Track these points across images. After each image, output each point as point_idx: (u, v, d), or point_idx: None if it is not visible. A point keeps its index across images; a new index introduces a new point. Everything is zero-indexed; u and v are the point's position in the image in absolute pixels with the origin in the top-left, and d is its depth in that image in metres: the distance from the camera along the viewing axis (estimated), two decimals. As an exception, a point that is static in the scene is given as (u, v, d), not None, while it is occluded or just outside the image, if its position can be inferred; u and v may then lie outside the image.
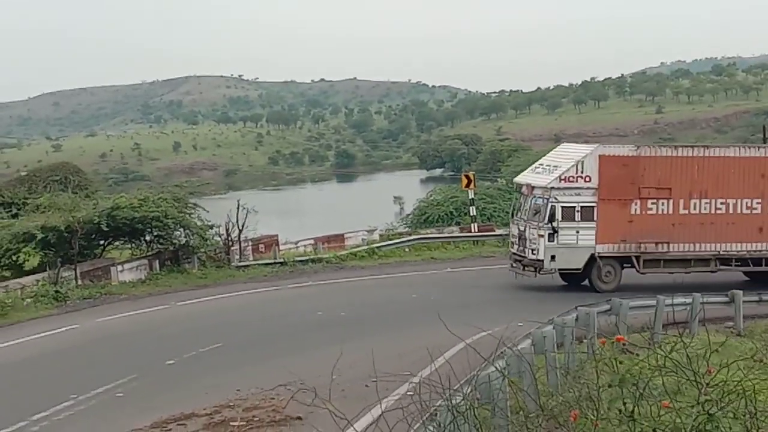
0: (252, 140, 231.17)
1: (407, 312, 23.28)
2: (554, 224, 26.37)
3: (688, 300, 18.79)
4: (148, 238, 32.44)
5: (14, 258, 30.52)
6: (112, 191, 52.20)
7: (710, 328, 16.69)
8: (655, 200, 26.95)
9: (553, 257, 26.55)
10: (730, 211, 27.20)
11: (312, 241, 39.72)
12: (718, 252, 27.26)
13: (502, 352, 7.88)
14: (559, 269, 27.02)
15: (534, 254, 26.71)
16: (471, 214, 39.34)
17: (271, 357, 17.69)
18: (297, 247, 39.16)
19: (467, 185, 38.67)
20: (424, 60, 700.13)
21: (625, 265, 27.06)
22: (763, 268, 27.64)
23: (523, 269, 27.22)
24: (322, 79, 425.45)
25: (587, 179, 26.51)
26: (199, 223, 32.10)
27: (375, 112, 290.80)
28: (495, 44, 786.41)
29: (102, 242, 32.35)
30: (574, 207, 26.50)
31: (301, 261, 32.85)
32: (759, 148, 29.82)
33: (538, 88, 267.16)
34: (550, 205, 26.37)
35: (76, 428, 13.08)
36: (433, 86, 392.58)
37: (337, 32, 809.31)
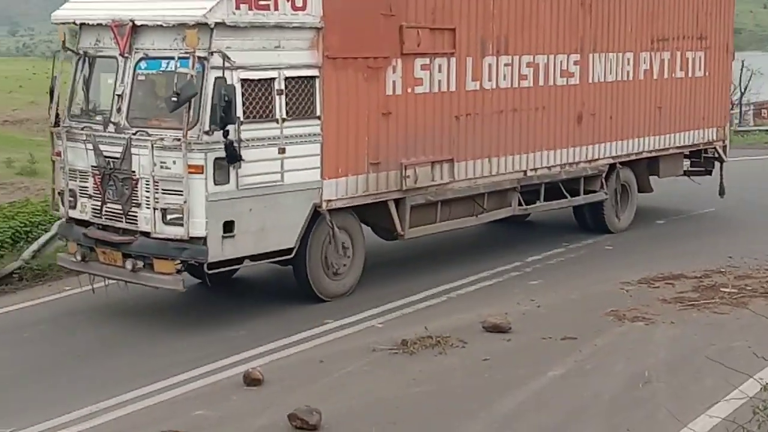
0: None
1: None
2: (233, 133, 10.10)
3: None
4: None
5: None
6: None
7: None
8: (428, 59, 12.43)
9: (229, 227, 10.27)
10: (540, 82, 14.04)
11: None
12: (524, 173, 14.08)
13: None
14: (246, 257, 10.71)
15: (174, 222, 10.12)
16: None
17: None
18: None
19: None
20: None
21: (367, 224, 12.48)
22: (579, 199, 15.23)
23: (134, 266, 10.48)
24: None
25: (298, 5, 10.85)
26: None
27: None
28: None
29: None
30: (272, 82, 10.65)
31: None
32: None
33: None
34: (213, 76, 10.07)
35: (563, 273, 13.70)
36: None
37: None
